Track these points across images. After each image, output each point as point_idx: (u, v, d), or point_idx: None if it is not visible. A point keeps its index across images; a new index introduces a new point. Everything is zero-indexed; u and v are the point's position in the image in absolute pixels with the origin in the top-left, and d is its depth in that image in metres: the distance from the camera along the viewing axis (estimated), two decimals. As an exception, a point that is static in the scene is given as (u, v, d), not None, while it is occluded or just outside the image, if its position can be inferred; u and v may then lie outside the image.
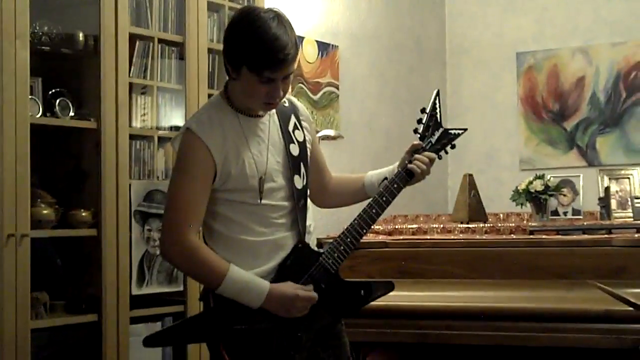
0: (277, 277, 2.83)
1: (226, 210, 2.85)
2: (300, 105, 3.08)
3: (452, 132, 3.04)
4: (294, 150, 2.93)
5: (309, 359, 2.92)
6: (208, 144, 2.77)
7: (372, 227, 2.99)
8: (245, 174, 2.81)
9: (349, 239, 2.91)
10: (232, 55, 2.80)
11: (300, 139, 2.97)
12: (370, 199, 2.96)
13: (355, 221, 2.91)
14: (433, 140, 3.02)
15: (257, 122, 2.90)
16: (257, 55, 2.72)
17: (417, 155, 2.96)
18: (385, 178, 2.99)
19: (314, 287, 2.86)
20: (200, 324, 2.91)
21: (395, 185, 2.94)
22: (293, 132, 2.97)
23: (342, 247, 2.91)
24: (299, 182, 2.92)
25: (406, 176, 2.95)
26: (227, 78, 2.90)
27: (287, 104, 3.00)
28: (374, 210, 2.92)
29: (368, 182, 3.07)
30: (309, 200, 3.05)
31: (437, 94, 3.06)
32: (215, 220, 2.86)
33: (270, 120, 2.93)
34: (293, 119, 2.99)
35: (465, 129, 3.05)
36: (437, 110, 3.04)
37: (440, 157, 3.05)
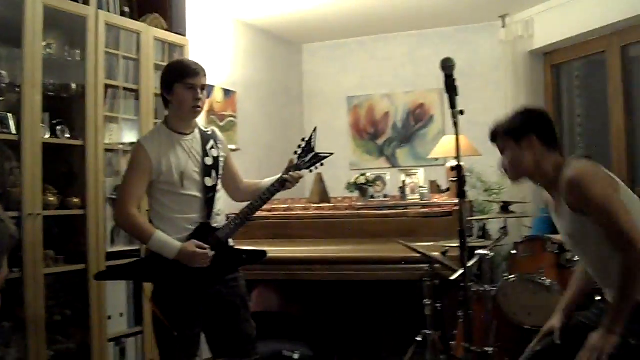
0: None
1: (161, 196, 2.83)
2: (220, 134, 3.03)
3: (322, 155, 2.94)
4: (208, 161, 2.88)
5: (214, 296, 2.86)
6: (148, 150, 2.78)
7: (255, 213, 2.90)
8: (172, 171, 2.78)
9: (237, 220, 2.85)
10: (166, 82, 2.81)
11: (215, 155, 2.92)
12: (257, 195, 2.89)
13: (245, 209, 2.87)
14: (306, 159, 2.92)
15: (184, 138, 2.86)
16: (179, 71, 2.77)
17: (291, 173, 2.89)
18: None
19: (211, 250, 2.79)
20: (137, 266, 2.88)
21: (274, 189, 2.88)
22: (210, 149, 2.91)
23: (232, 225, 2.85)
24: (209, 182, 2.86)
25: (282, 183, 2.89)
26: (165, 111, 2.90)
27: (210, 132, 2.95)
28: (257, 203, 2.86)
29: (263, 186, 2.99)
30: (220, 194, 2.95)
31: (314, 130, 2.97)
32: (155, 203, 2.85)
33: (194, 139, 2.88)
34: (211, 142, 2.94)
35: (332, 154, 2.94)
36: (313, 140, 2.95)
37: (311, 171, 2.97)
